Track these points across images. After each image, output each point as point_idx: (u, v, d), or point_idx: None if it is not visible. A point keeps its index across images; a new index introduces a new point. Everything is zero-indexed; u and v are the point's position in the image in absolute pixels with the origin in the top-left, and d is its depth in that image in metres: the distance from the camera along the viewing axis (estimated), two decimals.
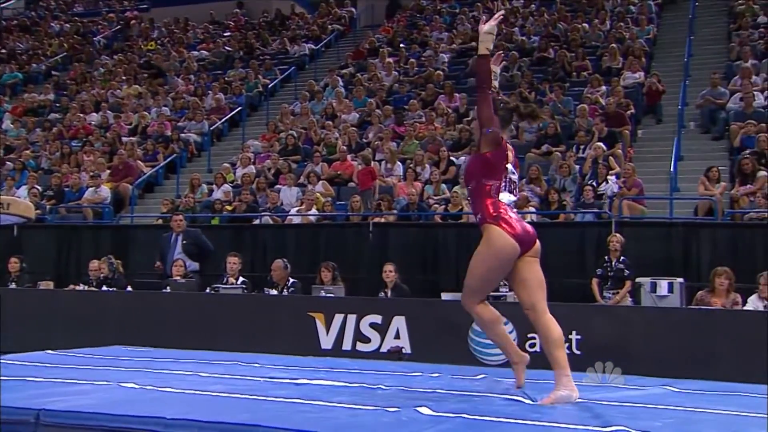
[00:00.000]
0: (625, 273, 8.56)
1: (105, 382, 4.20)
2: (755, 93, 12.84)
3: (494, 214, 4.02)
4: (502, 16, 4.28)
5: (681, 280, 7.93)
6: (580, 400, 3.85)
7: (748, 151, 11.19)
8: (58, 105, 18.98)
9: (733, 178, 11.07)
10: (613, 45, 15.47)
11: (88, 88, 19.65)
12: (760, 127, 11.78)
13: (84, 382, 4.23)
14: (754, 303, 7.27)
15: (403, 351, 7.43)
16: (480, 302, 4.17)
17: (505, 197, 4.11)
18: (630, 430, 3.15)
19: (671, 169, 11.54)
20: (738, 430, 3.40)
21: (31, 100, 19.44)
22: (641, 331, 6.98)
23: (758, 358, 6.34)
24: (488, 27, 4.01)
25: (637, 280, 8.20)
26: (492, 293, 8.45)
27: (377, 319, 7.64)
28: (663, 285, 7.77)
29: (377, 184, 12.46)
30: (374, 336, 7.62)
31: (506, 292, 7.68)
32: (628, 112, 13.29)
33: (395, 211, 11.45)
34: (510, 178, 4.15)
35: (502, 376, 4.66)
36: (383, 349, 7.52)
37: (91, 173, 14.11)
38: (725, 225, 9.70)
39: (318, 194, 12.22)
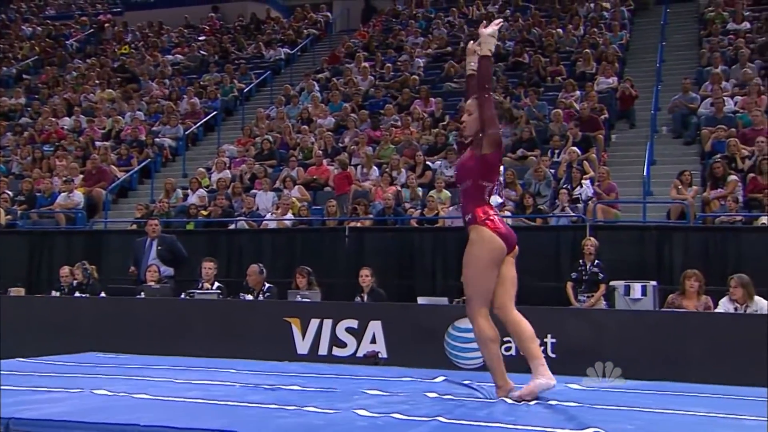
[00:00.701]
0: (600, 276, 8.64)
1: (77, 390, 4.14)
2: (725, 98, 13.05)
3: (483, 216, 4.05)
4: (501, 23, 4.35)
5: (654, 283, 8.01)
6: (554, 403, 3.88)
7: (718, 156, 11.36)
8: (29, 109, 18.74)
9: (704, 182, 11.22)
10: (587, 50, 15.63)
11: (60, 92, 19.44)
12: (730, 131, 11.97)
13: (56, 389, 4.17)
14: (725, 305, 7.36)
15: (380, 355, 7.43)
16: (483, 312, 4.07)
17: (494, 200, 4.16)
18: None
19: (644, 173, 11.67)
20: (709, 430, 3.44)
21: (2, 103, 19.16)
22: (615, 333, 7.04)
23: (730, 359, 6.45)
24: (491, 30, 4.11)
25: (611, 283, 8.27)
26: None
27: (353, 323, 7.62)
28: (636, 288, 7.85)
29: (353, 188, 12.46)
30: (350, 341, 7.61)
31: None
32: (602, 117, 13.43)
33: (371, 216, 11.45)
34: (499, 180, 4.19)
35: (473, 379, 4.67)
36: (359, 354, 7.52)
37: (64, 178, 13.96)
38: (697, 228, 9.82)
39: (294, 199, 12.19)
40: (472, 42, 4.18)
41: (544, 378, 3.94)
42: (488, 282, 4.04)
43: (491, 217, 4.06)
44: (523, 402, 3.91)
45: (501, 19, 4.35)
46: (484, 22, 4.22)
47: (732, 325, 6.94)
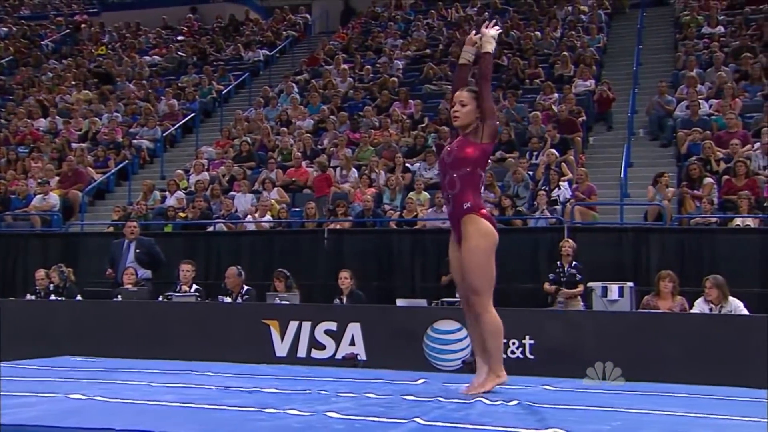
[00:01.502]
0: (577, 278, 8.70)
1: (52, 394, 4.08)
2: (700, 101, 13.20)
3: (481, 204, 4.19)
4: (500, 30, 4.58)
5: (631, 284, 8.08)
6: (530, 404, 3.89)
7: (694, 158, 11.48)
8: (3, 110, 18.53)
9: (680, 184, 11.32)
10: (565, 53, 15.74)
11: (35, 93, 19.23)
12: (705, 134, 12.11)
13: (30, 394, 4.11)
14: (700, 306, 7.44)
15: (359, 358, 7.43)
16: (491, 301, 4.18)
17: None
18: None
19: (622, 175, 11.76)
20: (686, 431, 3.47)
21: None
22: (592, 334, 7.09)
23: (705, 359, 6.52)
24: (493, 32, 4.32)
25: (589, 284, 8.34)
26: (447, 299, 8.57)
27: (332, 326, 7.61)
28: (614, 289, 7.91)
29: (332, 190, 12.44)
30: (329, 343, 7.59)
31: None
32: (580, 119, 13.53)
33: (350, 218, 11.44)
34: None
35: (454, 381, 4.68)
36: (338, 356, 7.51)
37: (39, 180, 13.80)
38: (673, 230, 9.93)
39: (273, 201, 12.15)
40: (474, 33, 4.30)
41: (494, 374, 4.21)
42: (493, 272, 4.18)
43: (485, 207, 4.22)
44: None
45: (498, 27, 4.48)
46: (486, 23, 4.40)
47: (707, 325, 7.02)
